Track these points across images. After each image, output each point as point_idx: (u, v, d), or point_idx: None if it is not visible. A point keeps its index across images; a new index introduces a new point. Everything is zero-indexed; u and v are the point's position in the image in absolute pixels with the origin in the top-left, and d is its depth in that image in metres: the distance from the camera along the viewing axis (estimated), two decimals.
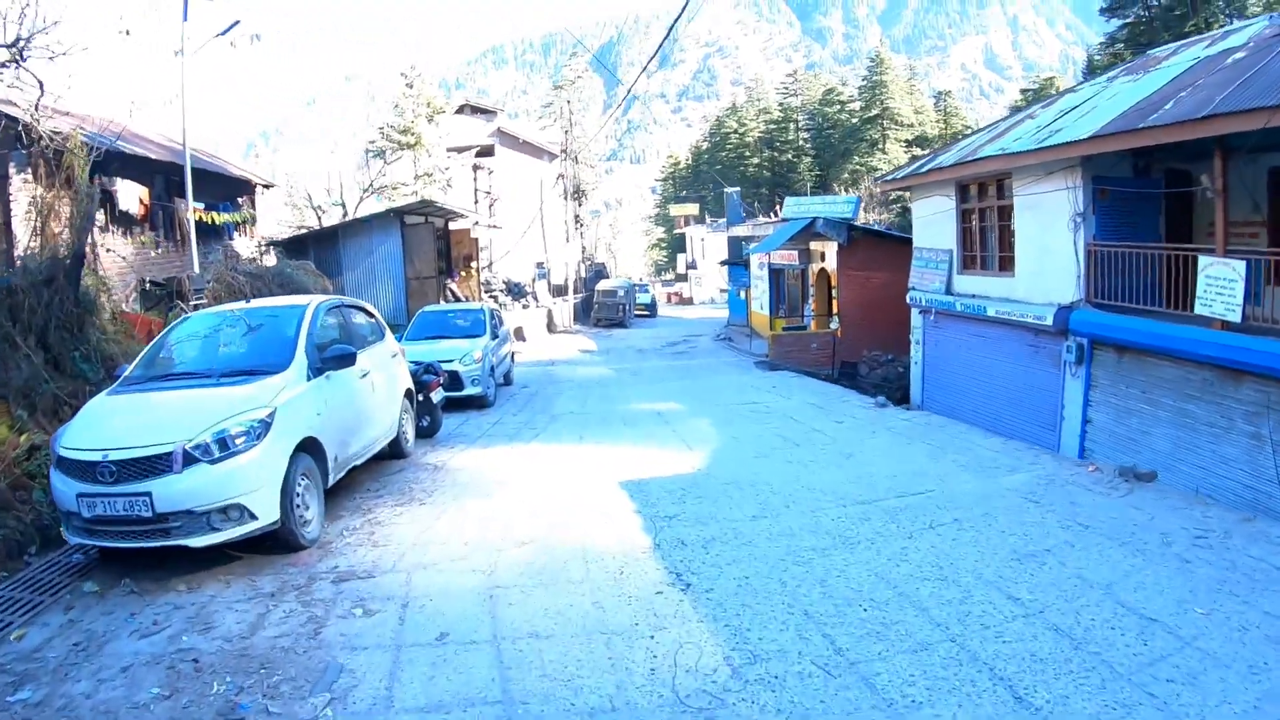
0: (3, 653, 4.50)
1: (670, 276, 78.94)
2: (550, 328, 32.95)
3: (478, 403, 13.65)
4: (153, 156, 17.02)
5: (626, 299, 38.89)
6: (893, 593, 4.83)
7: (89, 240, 11.95)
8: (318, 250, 22.96)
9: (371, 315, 9.06)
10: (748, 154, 79.25)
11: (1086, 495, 6.61)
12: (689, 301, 63.02)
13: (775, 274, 28.43)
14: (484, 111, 43.77)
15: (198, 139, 25.50)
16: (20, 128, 10.53)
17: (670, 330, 35.75)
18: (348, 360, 7.05)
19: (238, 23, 15.01)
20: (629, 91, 26.15)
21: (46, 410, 8.00)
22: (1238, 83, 8.85)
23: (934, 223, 15.30)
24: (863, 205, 29.31)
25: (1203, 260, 9.27)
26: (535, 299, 34.32)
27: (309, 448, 6.24)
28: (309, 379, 6.58)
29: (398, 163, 36.26)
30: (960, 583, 4.97)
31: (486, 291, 29.74)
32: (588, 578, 5.22)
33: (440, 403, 10.65)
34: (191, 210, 16.42)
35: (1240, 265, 8.82)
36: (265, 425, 5.74)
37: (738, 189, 45.02)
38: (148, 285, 15.23)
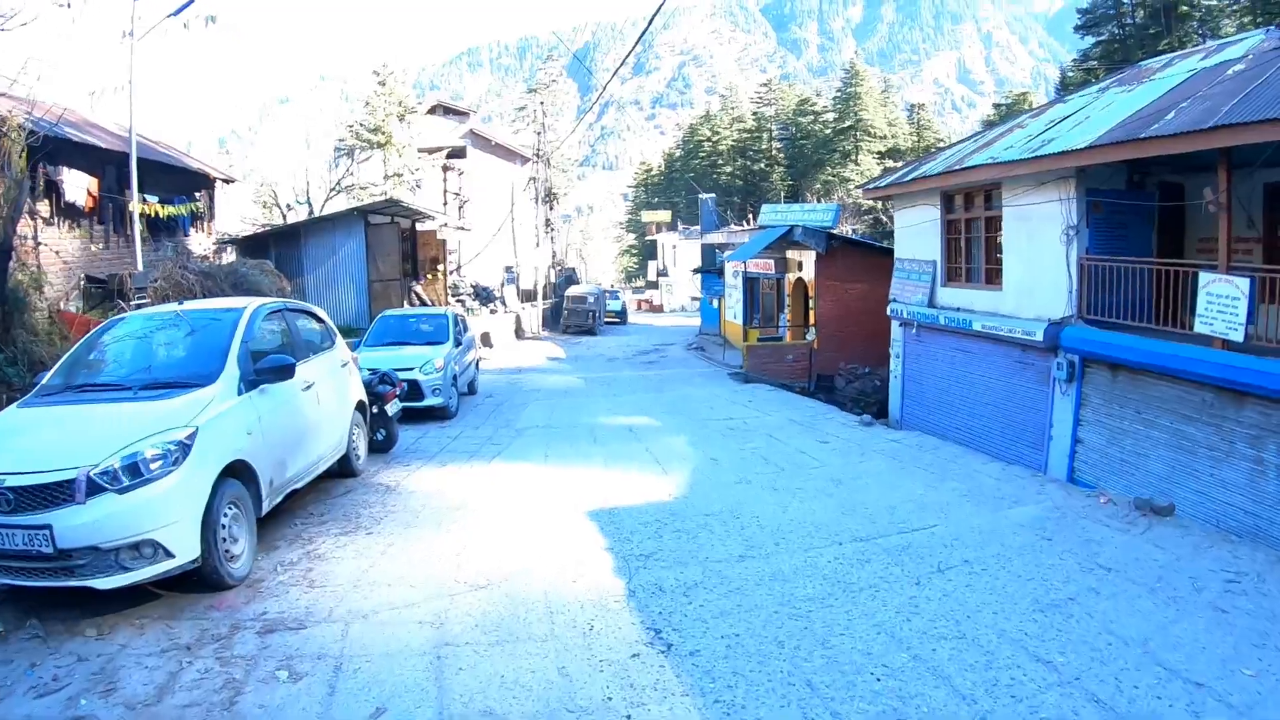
0: None
1: (641, 284, 78.36)
2: (518, 334, 32.15)
3: (439, 414, 12.91)
4: (102, 145, 16.04)
5: (597, 305, 38.15)
6: (907, 656, 4.18)
7: (19, 232, 11.04)
8: (279, 250, 22.11)
9: (320, 320, 8.31)
10: (720, 162, 79.03)
11: (1103, 531, 6.03)
12: (659, 309, 62.44)
13: (750, 282, 27.90)
14: (456, 113, 43.01)
15: (157, 130, 24.53)
16: None
17: (641, 338, 35.07)
18: (285, 372, 6.29)
19: (191, 2, 14.10)
20: (602, 91, 25.56)
21: None
22: (1244, 94, 8.56)
23: (917, 233, 14.83)
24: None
25: (1204, 277, 8.88)
26: (503, 304, 33.50)
27: (238, 472, 5.49)
28: (241, 393, 5.83)
29: (367, 163, 35.49)
30: (982, 642, 4.34)
31: (454, 296, 28.93)
32: (552, 634, 4.50)
33: (396, 415, 9.87)
34: (137, 201, 15.43)
35: (1244, 283, 8.43)
36: (185, 447, 4.99)
37: (713, 195, 44.51)
38: (83, 283, 14.21)
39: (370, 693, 3.89)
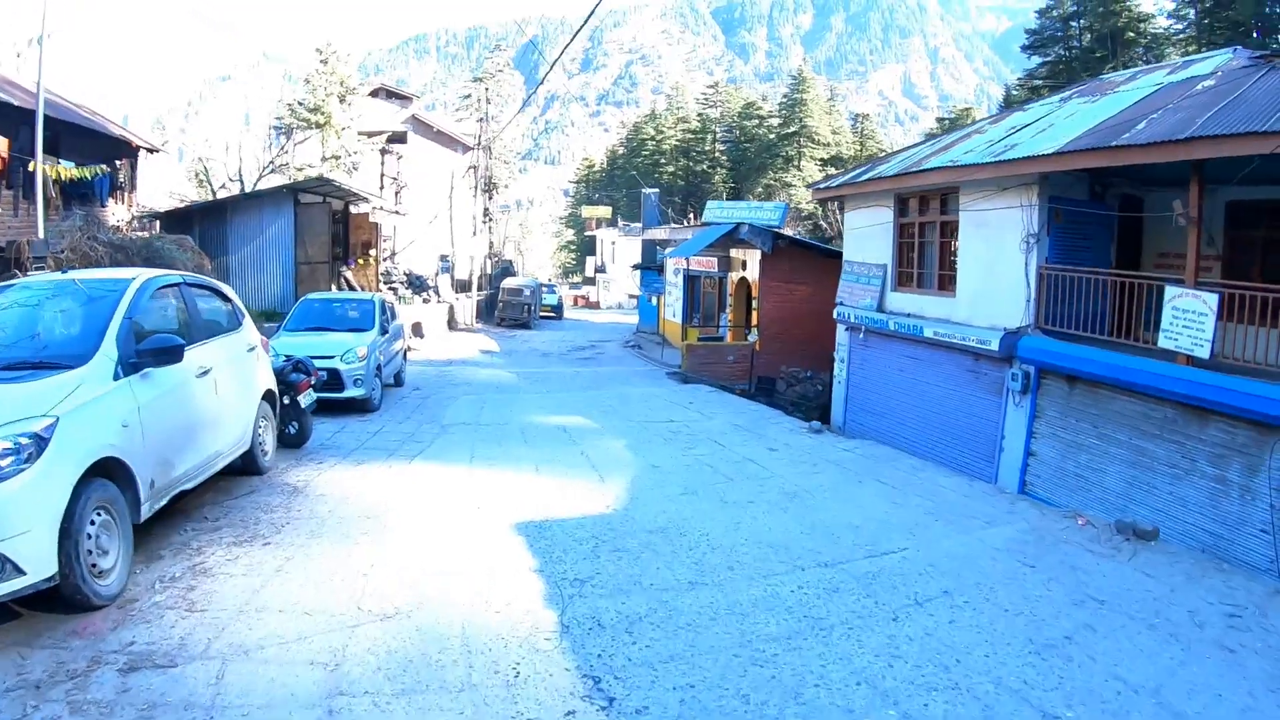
0: None
1: (578, 279, 77.33)
2: (451, 325, 30.92)
3: (360, 406, 11.93)
4: (14, 103, 14.39)
5: (532, 299, 37.10)
6: (896, 714, 3.50)
7: None
8: (204, 226, 20.72)
9: (226, 299, 7.35)
10: (663, 161, 78.54)
11: (1087, 558, 5.49)
12: (596, 305, 61.56)
13: (691, 280, 27.29)
14: (399, 97, 41.56)
15: (95, 103, 22.63)
16: None
17: (577, 334, 34.16)
18: (172, 354, 5.33)
19: None
20: (544, 78, 24.57)
21: None
22: (1218, 107, 8.36)
23: (868, 235, 14.37)
24: None
25: (1170, 291, 8.59)
26: (437, 293, 32.18)
27: (110, 471, 4.56)
28: (118, 377, 4.90)
29: (305, 144, 33.83)
30: (978, 693, 3.70)
31: (386, 283, 27.58)
32: (469, 682, 3.67)
33: (310, 407, 8.88)
34: (40, 160, 13.89)
35: (1212, 298, 8.15)
36: (40, 441, 4.07)
37: (656, 190, 43.74)
38: None
39: None
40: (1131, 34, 33.83)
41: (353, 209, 25.24)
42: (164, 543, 5.41)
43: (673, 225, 39.06)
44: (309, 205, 22.05)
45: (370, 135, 34.60)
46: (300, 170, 31.93)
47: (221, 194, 29.34)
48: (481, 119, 40.65)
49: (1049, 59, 38.12)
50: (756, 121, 75.86)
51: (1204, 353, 8.11)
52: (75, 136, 17.04)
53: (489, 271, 41.96)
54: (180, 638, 4.05)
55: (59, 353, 4.90)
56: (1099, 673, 3.99)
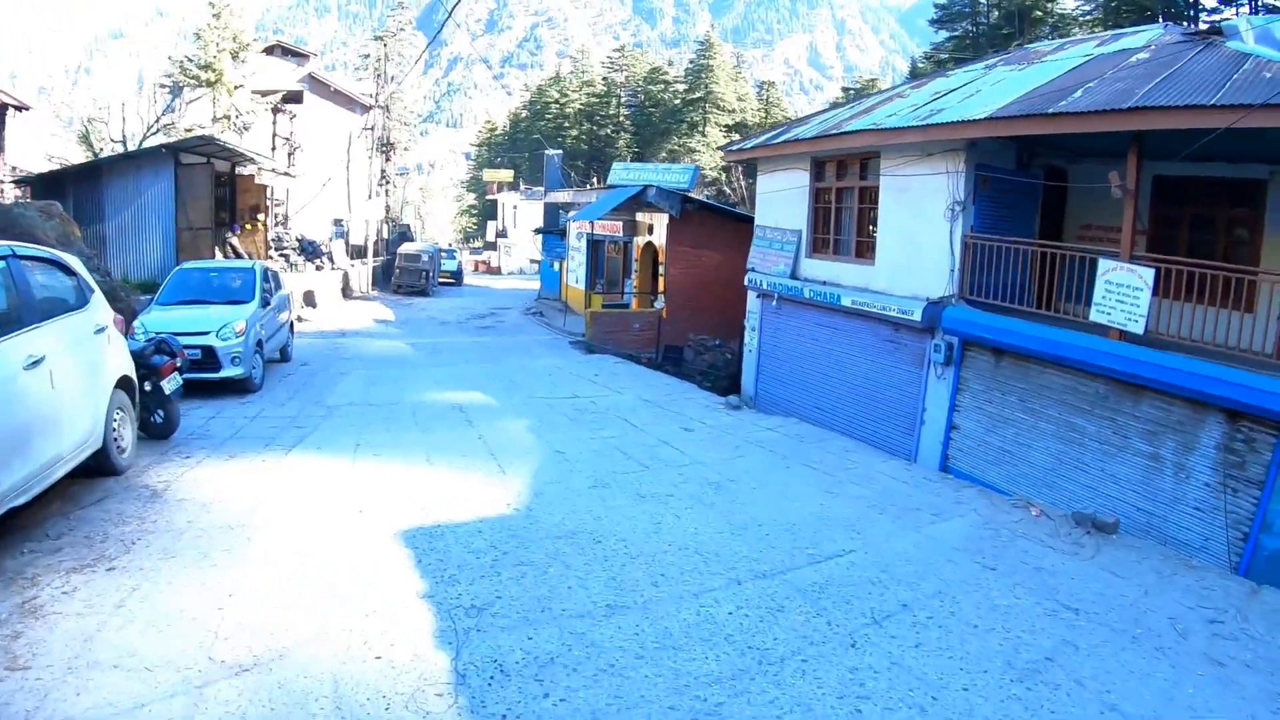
0: None
1: (479, 244, 74.87)
2: (345, 293, 28.98)
3: (240, 386, 10.72)
4: None
5: (431, 265, 35.20)
6: None
7: None
8: (79, 191, 18.68)
9: (71, 272, 6.17)
10: (567, 125, 76.55)
11: (1049, 556, 4.97)
12: (497, 271, 59.59)
13: (595, 245, 26.21)
14: (296, 54, 38.64)
15: None
16: None
17: (477, 301, 32.64)
18: None
19: None
20: (440, 30, 22.85)
21: None
22: (1159, 79, 8.09)
23: (783, 200, 13.76)
24: None
25: (1103, 264, 8.28)
26: (331, 260, 30.05)
27: None
28: None
29: (196, 104, 30.93)
30: None
31: (277, 249, 25.50)
32: None
33: (176, 392, 7.63)
34: None
35: (1148, 273, 7.89)
36: None
37: (560, 152, 42.14)
38: None
39: None
40: (1039, 13, 34.40)
41: (240, 171, 23.06)
42: None
43: (576, 188, 37.79)
44: (191, 166, 19.94)
45: (264, 94, 32.15)
46: (189, 132, 29.17)
47: (101, 155, 26.58)
48: (379, 75, 38.16)
49: (956, 34, 38.56)
50: (662, 86, 74.80)
51: (1138, 328, 7.86)
52: None
53: (386, 236, 39.70)
54: None
55: None
56: (1091, 702, 3.43)
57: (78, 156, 29.48)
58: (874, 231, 11.59)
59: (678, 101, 71.85)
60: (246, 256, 21.32)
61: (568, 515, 5.53)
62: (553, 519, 5.44)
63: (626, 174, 22.06)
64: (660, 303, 20.22)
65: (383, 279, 34.83)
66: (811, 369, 12.96)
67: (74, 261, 6.30)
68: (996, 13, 36.12)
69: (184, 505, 5.60)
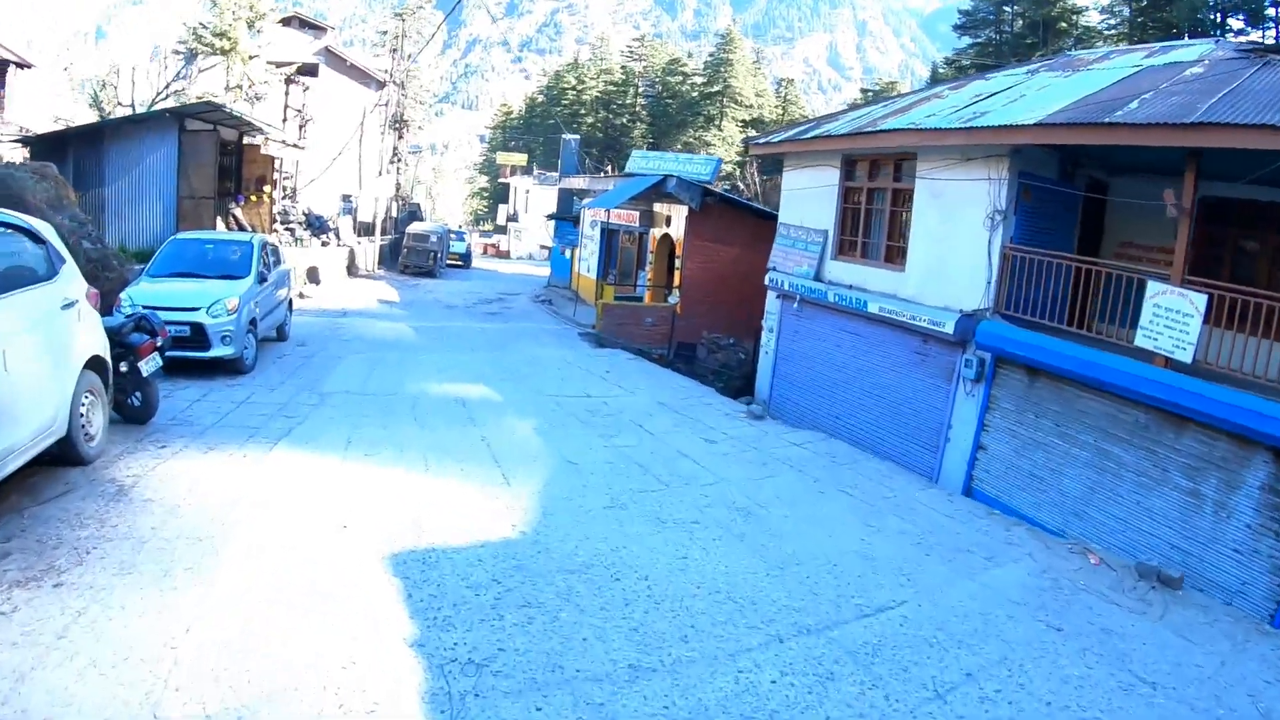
0: None
1: (489, 228, 74.31)
2: (351, 270, 28.48)
3: (230, 367, 10.24)
4: None
5: (439, 246, 34.58)
6: None
7: None
8: (80, 153, 17.90)
9: (40, 240, 5.67)
10: (583, 112, 75.81)
11: (1116, 614, 4.51)
12: (506, 255, 59.03)
13: (609, 234, 25.64)
14: (314, 27, 37.98)
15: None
16: None
17: (485, 285, 32.08)
18: None
19: None
20: (457, 4, 22.24)
21: None
22: (1220, 95, 7.64)
23: (809, 198, 13.21)
24: None
25: (1153, 286, 7.77)
26: (338, 236, 29.52)
27: None
28: None
29: (210, 72, 30.29)
30: None
31: (283, 222, 24.91)
32: None
33: (155, 374, 7.13)
34: None
35: (1200, 299, 7.38)
36: None
37: (577, 137, 41.40)
38: None
39: None
40: (1064, 24, 34.03)
41: (247, 140, 22.47)
42: None
43: (592, 175, 37.15)
44: (196, 133, 19.30)
45: (279, 66, 31.54)
46: (200, 99, 28.64)
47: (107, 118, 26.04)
48: (395, 51, 37.43)
49: (979, 40, 38.18)
50: (680, 78, 74.09)
51: (1186, 356, 7.38)
52: None
53: (395, 215, 39.11)
54: None
55: None
56: None
57: (86, 119, 29.01)
58: (905, 236, 11.06)
59: (695, 94, 71.17)
60: (249, 229, 20.77)
61: (581, 543, 5.01)
62: (564, 548, 4.91)
63: (646, 162, 21.45)
64: (675, 297, 19.70)
65: (390, 258, 34.33)
66: (831, 376, 12.45)
67: (44, 228, 5.81)
68: (1021, 22, 35.63)
69: (150, 507, 5.11)
